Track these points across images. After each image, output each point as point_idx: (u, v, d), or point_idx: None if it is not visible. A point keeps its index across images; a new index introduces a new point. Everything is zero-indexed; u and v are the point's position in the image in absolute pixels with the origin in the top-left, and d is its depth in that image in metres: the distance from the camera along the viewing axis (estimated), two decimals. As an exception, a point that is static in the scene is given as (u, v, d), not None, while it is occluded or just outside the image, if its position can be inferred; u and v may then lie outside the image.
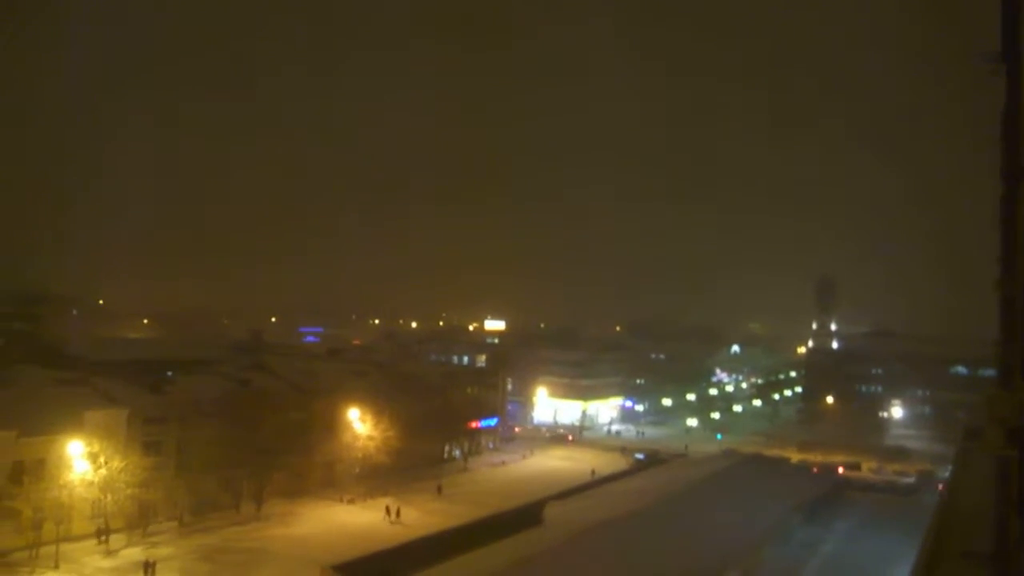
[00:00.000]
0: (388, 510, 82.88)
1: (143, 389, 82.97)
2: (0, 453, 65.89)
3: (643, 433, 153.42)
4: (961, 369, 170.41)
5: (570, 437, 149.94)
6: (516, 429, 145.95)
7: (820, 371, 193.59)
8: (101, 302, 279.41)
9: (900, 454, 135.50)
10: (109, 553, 68.63)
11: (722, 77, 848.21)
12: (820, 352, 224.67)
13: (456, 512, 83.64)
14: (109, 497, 69.99)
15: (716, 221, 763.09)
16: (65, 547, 66.49)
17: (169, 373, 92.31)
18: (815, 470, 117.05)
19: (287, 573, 64.46)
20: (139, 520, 74.23)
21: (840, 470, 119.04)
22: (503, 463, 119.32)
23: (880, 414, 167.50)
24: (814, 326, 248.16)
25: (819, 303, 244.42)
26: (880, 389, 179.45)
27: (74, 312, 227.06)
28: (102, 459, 68.54)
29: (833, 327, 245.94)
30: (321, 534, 76.68)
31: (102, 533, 70.50)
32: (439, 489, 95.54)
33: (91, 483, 68.56)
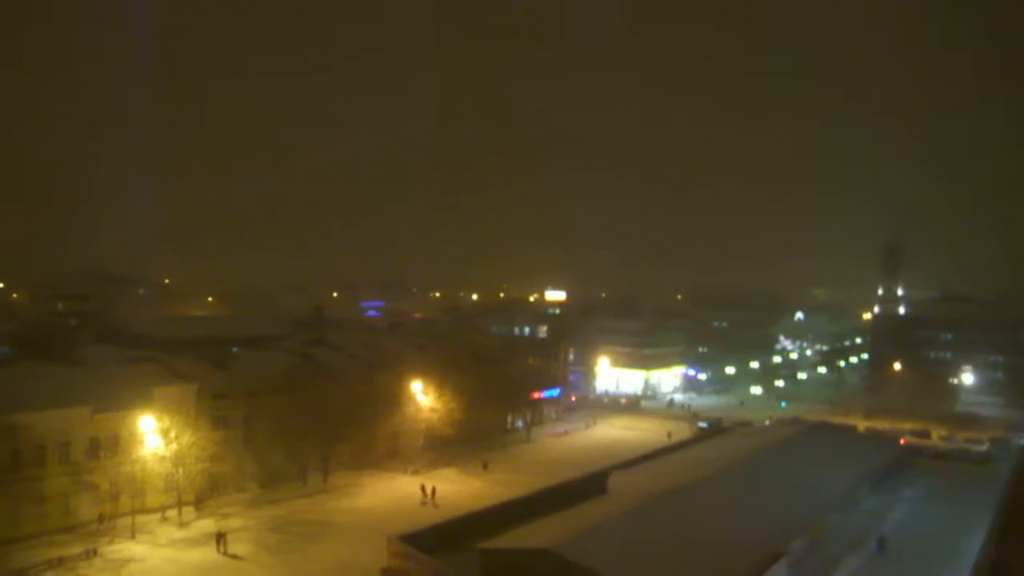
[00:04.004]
0: (423, 490, 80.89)
1: (210, 365, 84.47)
2: (77, 429, 67.92)
3: (688, 406, 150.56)
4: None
5: (623, 402, 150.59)
6: (573, 399, 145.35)
7: (887, 337, 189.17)
8: (167, 281, 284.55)
9: (972, 421, 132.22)
10: (182, 524, 70.39)
11: (786, 72, 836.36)
12: (886, 318, 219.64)
13: (506, 485, 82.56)
14: (180, 471, 71.82)
15: (779, 189, 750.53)
16: (140, 518, 68.47)
17: (234, 349, 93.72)
18: (883, 438, 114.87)
19: (353, 543, 65.36)
20: (210, 492, 76.04)
21: (908, 438, 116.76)
22: (566, 433, 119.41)
23: (950, 380, 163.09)
24: (880, 291, 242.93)
25: (885, 268, 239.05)
26: (950, 355, 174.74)
27: (141, 292, 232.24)
28: (172, 434, 70.32)
29: (900, 292, 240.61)
30: (385, 505, 77.74)
31: (175, 505, 72.33)
32: (485, 465, 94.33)
33: (163, 457, 70.44)
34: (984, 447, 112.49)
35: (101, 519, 67.86)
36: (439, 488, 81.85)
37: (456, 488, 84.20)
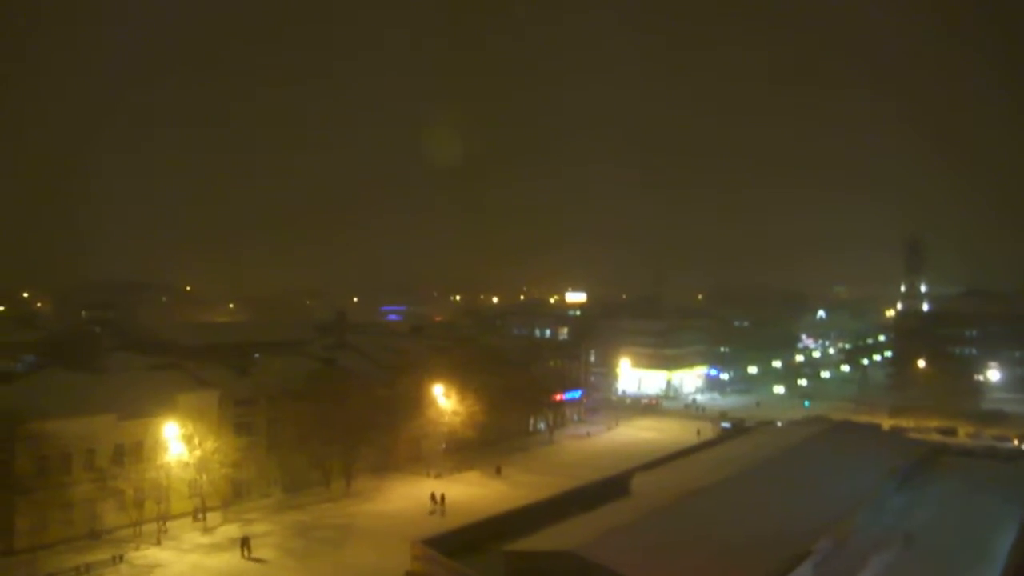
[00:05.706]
0: (433, 498, 79.44)
1: (232, 372, 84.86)
2: (102, 436, 68.40)
3: (702, 408, 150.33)
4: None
5: (644, 403, 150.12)
6: (584, 399, 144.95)
7: (910, 334, 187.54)
8: (188, 288, 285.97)
9: (999, 418, 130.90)
10: (207, 530, 70.73)
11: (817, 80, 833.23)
12: (910, 315, 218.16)
13: (528, 488, 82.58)
14: (204, 476, 72.18)
15: (799, 187, 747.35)
16: (165, 524, 68.83)
17: (257, 355, 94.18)
18: (908, 435, 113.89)
19: (377, 548, 65.44)
20: (234, 498, 76.37)
21: (934, 435, 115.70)
22: (588, 435, 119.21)
23: (976, 377, 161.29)
24: (903, 288, 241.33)
25: (908, 265, 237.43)
26: (975, 351, 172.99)
27: (163, 299, 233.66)
28: (196, 440, 70.65)
29: (923, 288, 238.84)
30: (409, 509, 77.74)
31: (199, 511, 72.76)
32: (498, 470, 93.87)
33: (187, 464, 70.73)
34: (1012, 444, 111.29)
35: (94, 535, 67.20)
36: (459, 492, 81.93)
37: (476, 492, 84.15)
